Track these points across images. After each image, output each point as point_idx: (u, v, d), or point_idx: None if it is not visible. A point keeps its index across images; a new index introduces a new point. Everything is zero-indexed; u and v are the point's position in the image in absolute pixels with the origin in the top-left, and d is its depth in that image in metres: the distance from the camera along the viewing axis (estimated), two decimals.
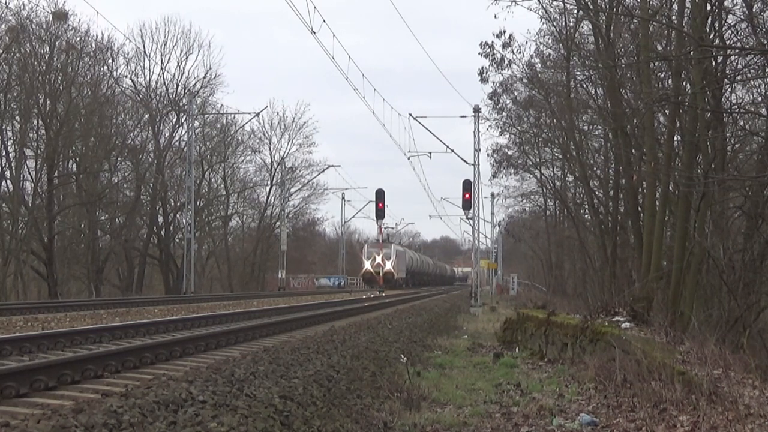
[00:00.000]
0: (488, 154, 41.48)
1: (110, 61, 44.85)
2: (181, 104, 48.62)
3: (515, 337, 15.86)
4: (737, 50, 15.99)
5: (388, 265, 64.53)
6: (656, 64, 18.58)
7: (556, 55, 29.19)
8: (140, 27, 70.30)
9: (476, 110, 36.30)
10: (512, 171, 41.71)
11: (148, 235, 49.91)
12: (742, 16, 16.20)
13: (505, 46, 29.71)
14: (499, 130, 38.11)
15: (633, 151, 22.03)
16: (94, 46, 42.54)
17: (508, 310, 27.96)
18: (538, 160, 39.92)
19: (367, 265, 65.24)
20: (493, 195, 60.45)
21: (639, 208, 21.55)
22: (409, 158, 41.12)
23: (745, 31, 16.34)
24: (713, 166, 17.04)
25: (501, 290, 60.18)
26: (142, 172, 46.89)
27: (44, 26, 38.38)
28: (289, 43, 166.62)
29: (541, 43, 29.64)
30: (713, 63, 16.88)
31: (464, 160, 37.41)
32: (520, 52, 30.40)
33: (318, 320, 18.88)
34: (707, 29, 16.18)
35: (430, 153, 41.48)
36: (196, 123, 47.97)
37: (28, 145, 38.90)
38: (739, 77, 17.34)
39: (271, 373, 8.40)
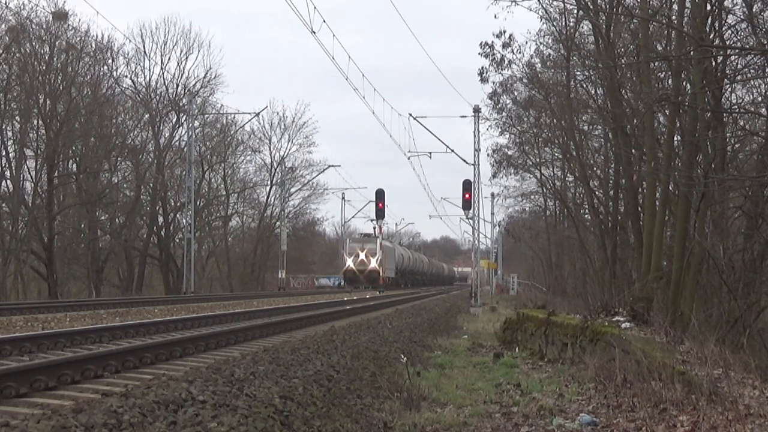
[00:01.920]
0: (488, 154, 41.52)
1: (110, 61, 44.91)
2: (181, 104, 48.63)
3: (515, 337, 15.86)
4: (737, 50, 16.00)
5: (373, 263, 57.25)
6: (656, 64, 18.59)
7: (556, 55, 29.21)
8: (140, 27, 70.25)
9: (476, 110, 36.32)
10: (512, 171, 41.76)
11: (148, 235, 49.90)
12: (742, 16, 16.21)
13: (505, 46, 29.75)
14: (499, 130, 38.17)
15: (633, 151, 22.04)
16: (94, 46, 42.60)
17: (508, 310, 27.96)
18: (538, 160, 39.95)
19: (349, 262, 57.96)
20: (493, 195, 60.48)
21: (639, 208, 21.55)
22: (409, 158, 41.01)
23: (745, 31, 16.35)
24: (713, 166, 17.04)
25: (501, 290, 60.12)
26: (142, 172, 46.89)
27: (44, 26, 38.43)
28: (289, 43, 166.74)
29: (541, 43, 29.69)
30: (713, 63, 16.89)
31: (464, 160, 37.45)
32: (520, 52, 30.44)
33: (318, 320, 18.87)
34: (707, 29, 16.18)
35: (430, 153, 41.47)
36: (196, 123, 48.01)
37: (28, 145, 38.91)
38: (739, 77, 17.35)
39: (271, 373, 8.40)
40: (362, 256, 57.57)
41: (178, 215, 50.99)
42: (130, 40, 47.62)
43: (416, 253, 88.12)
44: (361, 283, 56.69)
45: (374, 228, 66.06)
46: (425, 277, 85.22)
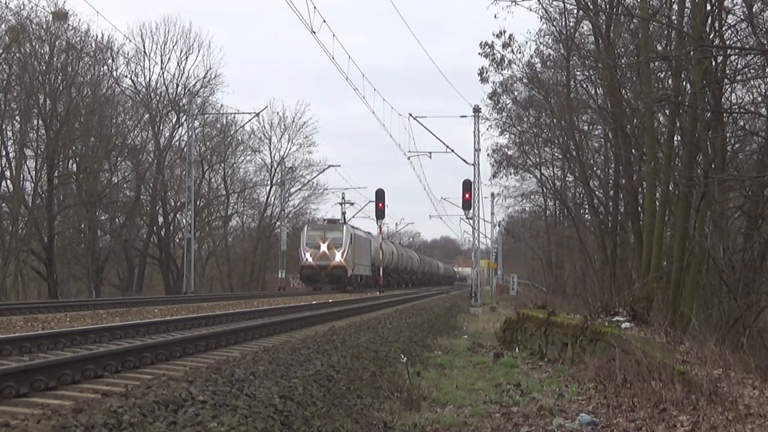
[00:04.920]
0: (488, 154, 41.61)
1: (110, 61, 44.94)
2: (181, 104, 48.64)
3: (515, 337, 15.85)
4: (737, 50, 16.01)
5: (338, 257, 45.56)
6: (656, 64, 18.60)
7: (556, 55, 29.24)
8: (140, 27, 70.16)
9: (476, 110, 36.32)
10: (512, 171, 41.84)
11: (148, 235, 49.92)
12: (742, 16, 16.23)
13: (505, 46, 29.80)
14: (499, 130, 38.23)
15: (633, 151, 22.05)
16: (94, 46, 42.61)
17: (508, 310, 27.95)
18: (538, 160, 39.97)
19: (308, 256, 45.84)
20: (493, 195, 60.37)
21: (639, 208, 21.57)
22: (409, 158, 40.78)
23: (745, 31, 16.37)
24: (713, 166, 17.06)
25: (501, 290, 59.99)
26: (142, 172, 46.91)
27: (44, 26, 38.45)
28: (290, 43, 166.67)
29: (541, 43, 29.73)
30: (713, 63, 16.90)
31: (464, 160, 37.47)
32: (520, 52, 30.46)
33: (318, 320, 18.87)
34: (707, 29, 16.20)
35: (430, 153, 41.37)
36: (196, 123, 48.00)
37: (28, 145, 38.92)
38: (739, 77, 17.38)
39: (271, 373, 8.40)
40: (324, 247, 45.59)
41: (178, 215, 51.00)
42: (130, 40, 47.67)
43: (403, 248, 76.53)
44: (322, 283, 45.51)
45: (343, 213, 55.44)
46: (415, 276, 74.64)
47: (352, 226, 51.19)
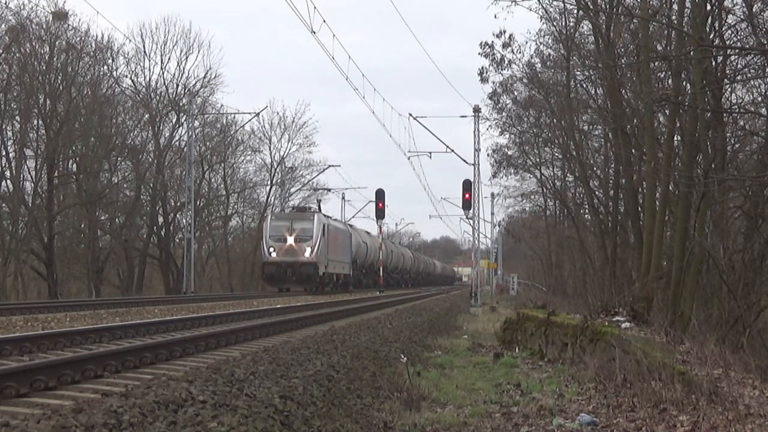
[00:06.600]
0: (488, 154, 41.65)
1: (110, 61, 44.89)
2: (181, 104, 48.63)
3: (515, 337, 15.85)
4: (737, 50, 16.02)
5: (308, 252, 38.37)
6: (656, 64, 18.62)
7: (556, 55, 29.27)
8: (140, 27, 70.12)
9: (476, 110, 36.32)
10: (512, 171, 41.88)
11: (148, 235, 49.89)
12: (742, 16, 16.24)
13: (505, 46, 29.83)
14: (499, 130, 38.27)
15: (633, 151, 22.07)
16: (94, 46, 42.58)
17: (508, 310, 27.94)
18: (538, 160, 40.00)
19: (271, 251, 38.84)
20: (493, 195, 60.41)
21: (639, 208, 21.59)
22: (409, 158, 40.60)
23: (745, 31, 16.39)
24: (713, 166, 17.08)
25: (501, 290, 59.95)
26: (142, 172, 46.89)
27: (44, 26, 38.42)
28: (290, 43, 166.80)
29: (541, 43, 29.77)
30: (713, 63, 16.91)
31: (464, 160, 37.46)
32: (520, 52, 30.49)
33: (318, 320, 18.87)
34: (707, 29, 16.21)
35: (430, 153, 41.25)
36: (196, 123, 47.98)
37: (28, 145, 38.90)
38: (739, 77, 17.40)
39: (271, 373, 8.40)
40: (290, 240, 38.61)
41: (178, 215, 50.99)
42: (130, 40, 47.60)
43: (394, 244, 68.76)
44: (288, 283, 39.20)
45: (318, 200, 48.99)
46: (408, 275, 68.20)
47: (326, 215, 44.22)
